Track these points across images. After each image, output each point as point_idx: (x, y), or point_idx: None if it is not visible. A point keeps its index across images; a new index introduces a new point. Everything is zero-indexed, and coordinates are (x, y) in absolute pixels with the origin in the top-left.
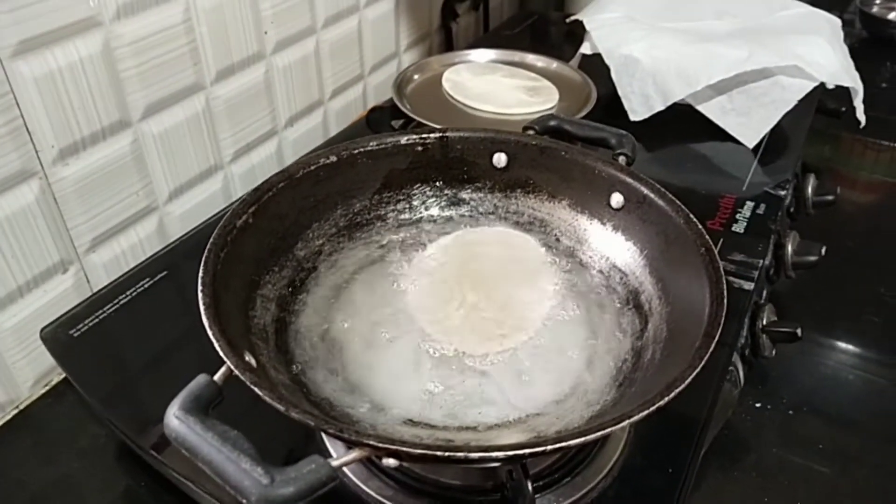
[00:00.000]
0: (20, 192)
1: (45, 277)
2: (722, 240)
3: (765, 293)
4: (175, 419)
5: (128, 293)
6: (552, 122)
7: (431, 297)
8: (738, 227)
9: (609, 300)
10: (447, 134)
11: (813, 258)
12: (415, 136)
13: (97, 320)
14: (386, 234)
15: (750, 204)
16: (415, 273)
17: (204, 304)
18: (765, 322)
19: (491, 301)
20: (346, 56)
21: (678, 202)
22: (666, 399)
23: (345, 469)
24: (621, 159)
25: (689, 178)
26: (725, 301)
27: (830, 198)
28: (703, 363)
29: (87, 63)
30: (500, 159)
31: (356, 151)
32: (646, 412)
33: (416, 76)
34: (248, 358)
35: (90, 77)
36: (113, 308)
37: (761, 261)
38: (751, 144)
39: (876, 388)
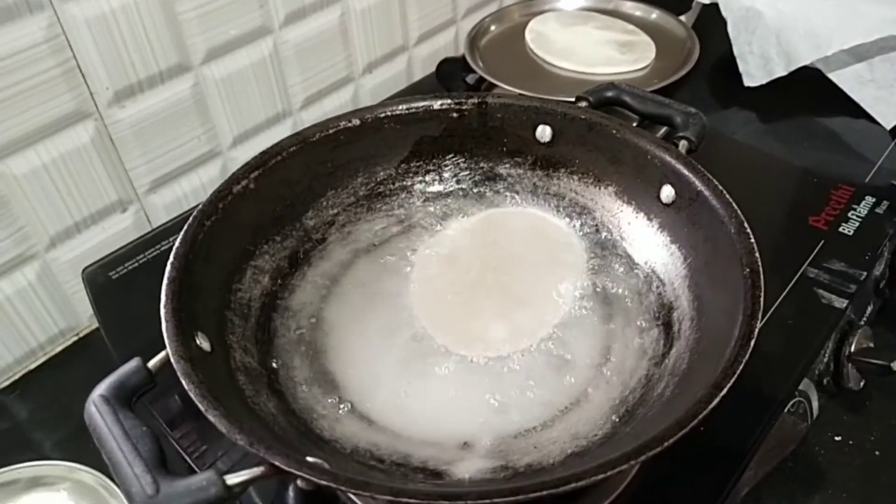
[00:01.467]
0: (75, 133)
1: (103, 215)
2: (823, 242)
3: (869, 310)
4: (92, 405)
5: (171, 239)
6: (609, 93)
7: (440, 284)
8: (848, 228)
9: (638, 311)
10: (487, 100)
11: None
12: (449, 101)
13: (137, 264)
14: (410, 207)
15: (869, 200)
16: (430, 254)
17: (169, 277)
18: (853, 349)
19: (504, 296)
20: None
21: (734, 206)
22: (620, 468)
23: None
24: (682, 145)
25: (806, 159)
26: (752, 343)
27: None
28: (687, 429)
29: (141, 5)
30: (544, 132)
31: (382, 115)
32: (598, 477)
33: (493, 27)
34: (201, 341)
35: (146, 20)
36: (154, 253)
37: (864, 273)
38: (889, 125)
39: None
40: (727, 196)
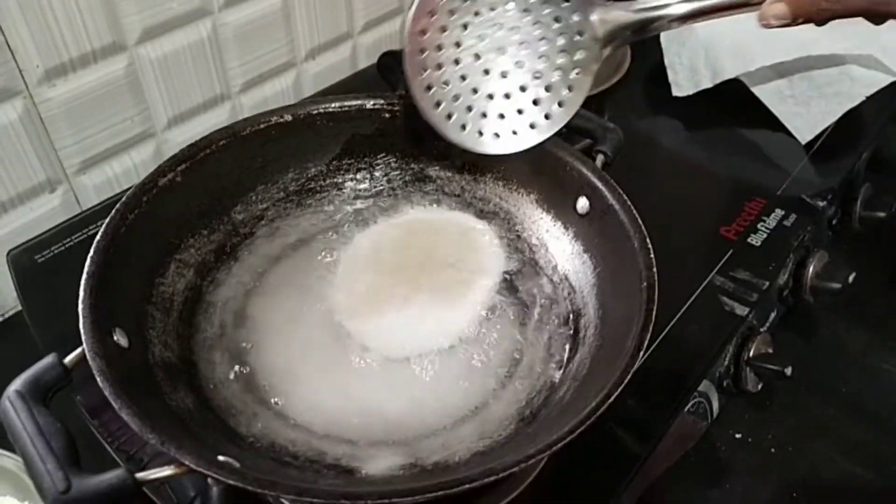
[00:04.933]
0: (2, 111)
1: (31, 196)
2: (731, 251)
3: (772, 317)
4: (7, 401)
5: (99, 223)
6: None
7: (363, 283)
8: (756, 239)
9: (549, 316)
10: None
11: (836, 285)
12: (382, 101)
13: (64, 248)
14: (340, 204)
15: (779, 212)
16: (356, 252)
17: (88, 272)
18: (751, 353)
19: (424, 296)
20: None
21: (640, 221)
22: (500, 474)
23: None
24: (599, 159)
25: (724, 170)
26: (639, 357)
27: (881, 214)
28: (576, 433)
29: None
30: None
31: (315, 112)
32: (483, 480)
33: None
34: (118, 337)
35: None
36: (81, 237)
37: (767, 283)
38: (804, 140)
39: (875, 454)
40: (634, 212)
